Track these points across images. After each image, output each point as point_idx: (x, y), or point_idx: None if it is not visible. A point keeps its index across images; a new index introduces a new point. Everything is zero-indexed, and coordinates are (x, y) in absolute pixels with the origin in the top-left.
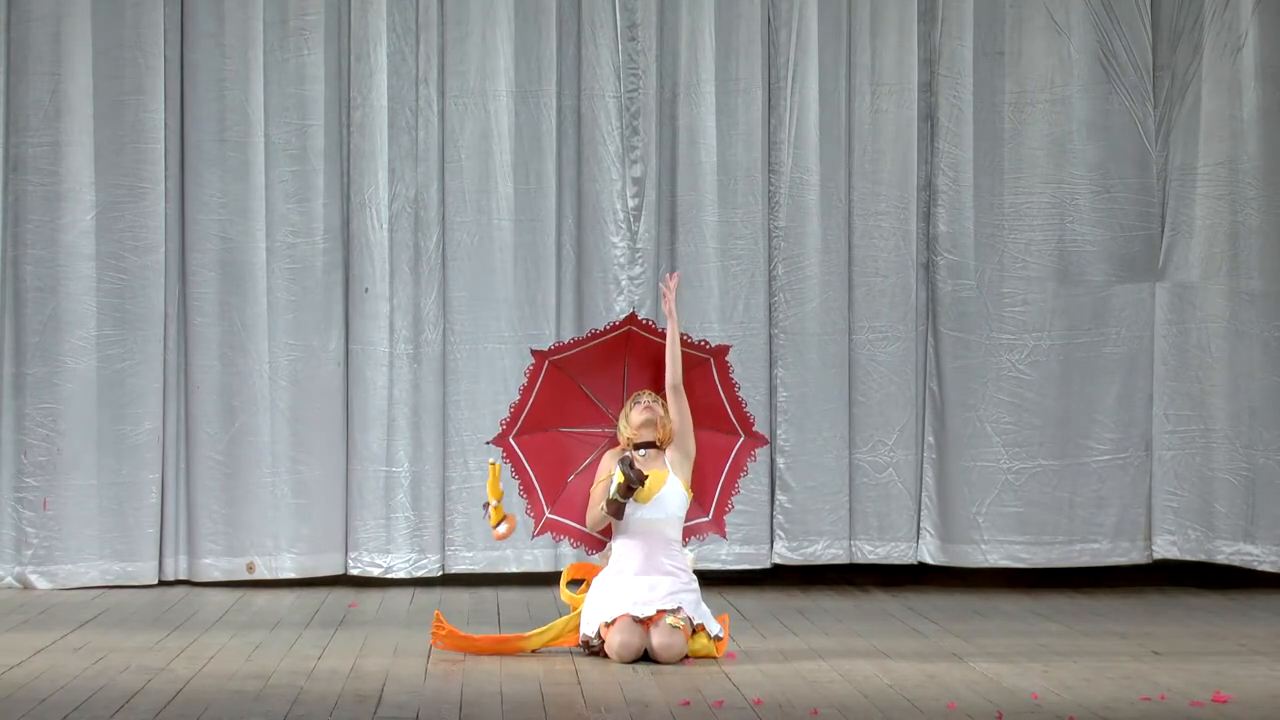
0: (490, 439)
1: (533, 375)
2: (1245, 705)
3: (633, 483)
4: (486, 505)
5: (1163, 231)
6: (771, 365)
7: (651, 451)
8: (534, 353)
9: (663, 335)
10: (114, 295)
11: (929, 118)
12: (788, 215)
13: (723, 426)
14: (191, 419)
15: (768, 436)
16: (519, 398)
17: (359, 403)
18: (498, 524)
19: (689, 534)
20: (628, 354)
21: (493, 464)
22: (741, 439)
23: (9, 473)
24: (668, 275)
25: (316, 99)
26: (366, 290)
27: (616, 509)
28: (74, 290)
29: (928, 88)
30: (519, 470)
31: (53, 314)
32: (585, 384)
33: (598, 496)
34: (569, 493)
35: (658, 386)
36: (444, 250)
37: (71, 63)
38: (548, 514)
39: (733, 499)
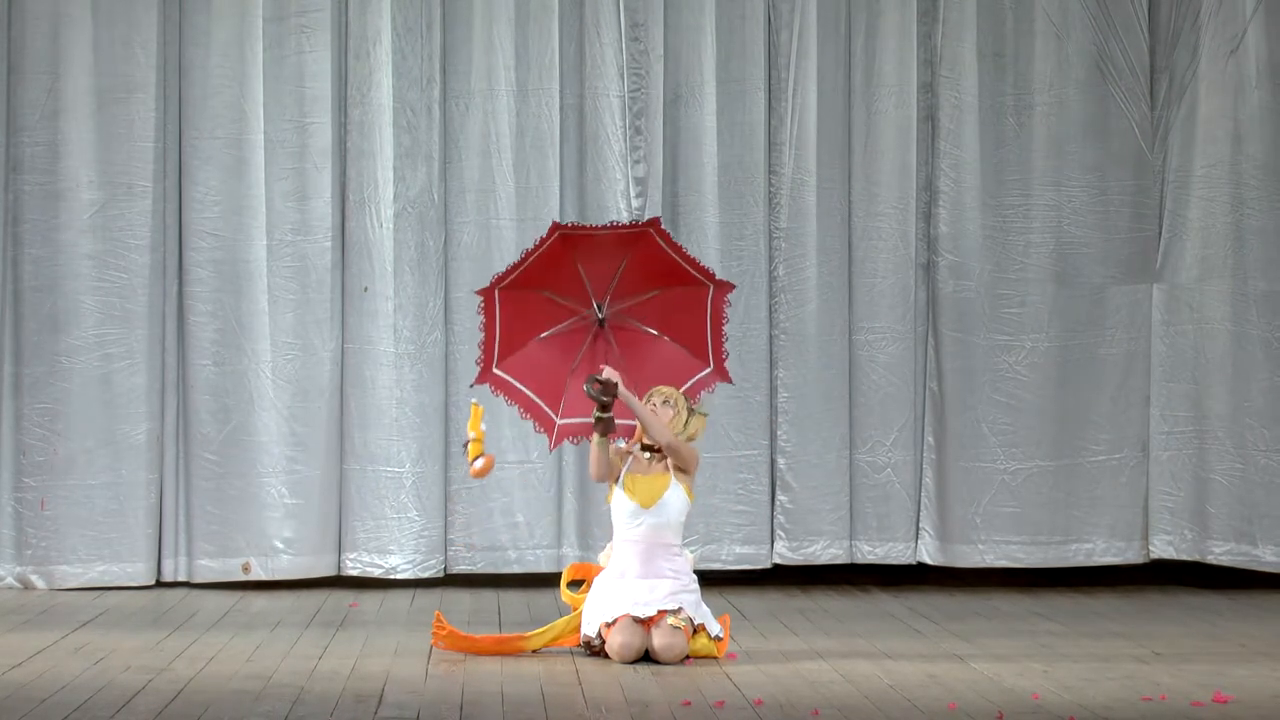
0: (473, 381)
1: (488, 310)
2: (1246, 705)
3: (602, 396)
4: (466, 443)
5: (1160, 233)
6: (772, 366)
7: (654, 455)
8: (479, 292)
9: (595, 226)
10: (113, 294)
11: (929, 119)
12: (788, 216)
13: (689, 281)
14: (189, 419)
15: (734, 284)
16: (484, 335)
17: (360, 403)
18: (474, 459)
19: (697, 389)
20: (574, 253)
21: (475, 404)
22: (711, 289)
23: (8, 473)
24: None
25: (315, 97)
26: (366, 289)
27: (604, 426)
28: (72, 289)
29: (928, 89)
30: (513, 395)
31: (51, 313)
32: (545, 289)
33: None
34: (571, 393)
35: (613, 275)
36: (446, 250)
37: (69, 61)
38: (558, 421)
39: (725, 346)
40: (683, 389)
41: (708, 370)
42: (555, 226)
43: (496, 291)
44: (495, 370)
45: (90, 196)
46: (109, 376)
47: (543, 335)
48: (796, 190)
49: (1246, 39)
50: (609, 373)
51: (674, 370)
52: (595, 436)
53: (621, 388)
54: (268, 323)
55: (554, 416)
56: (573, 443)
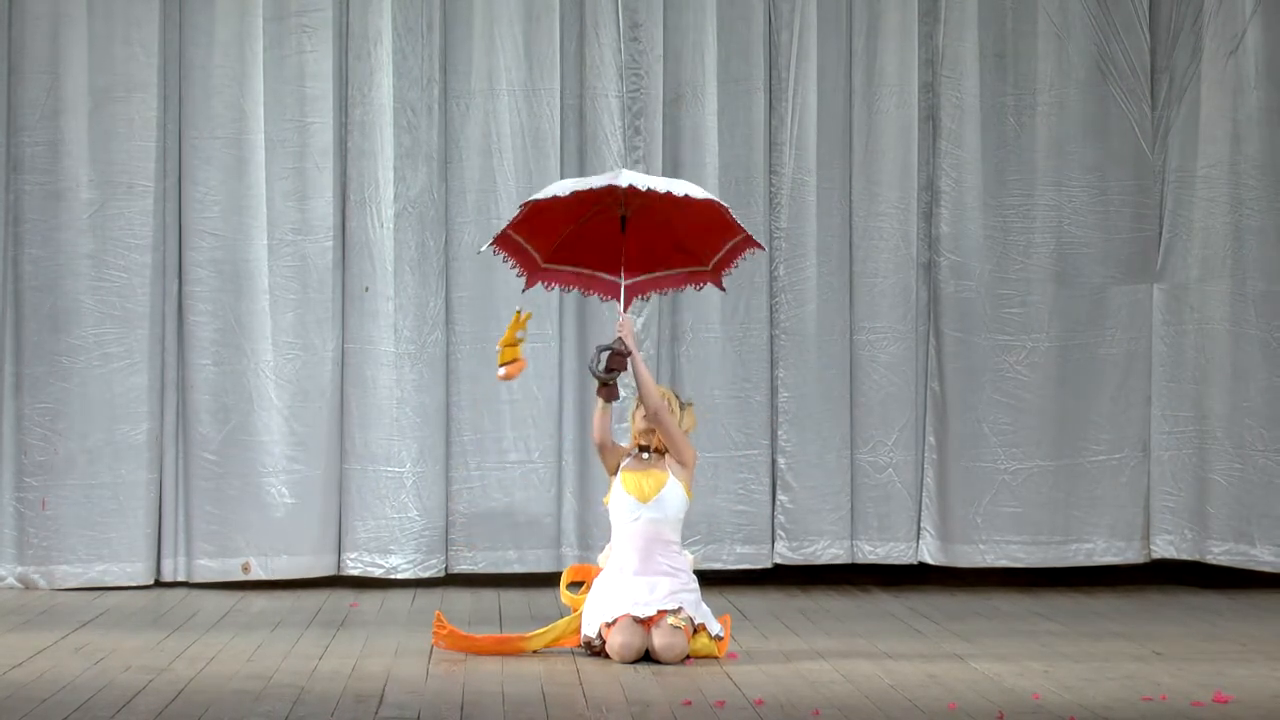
0: (523, 287)
1: (506, 244)
2: (1246, 705)
3: (608, 374)
4: (498, 348)
5: (1160, 233)
6: (773, 366)
7: (653, 456)
8: (492, 243)
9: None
10: (112, 294)
11: (930, 118)
12: (789, 216)
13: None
14: (189, 419)
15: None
16: (514, 260)
17: (360, 403)
18: (502, 364)
19: (734, 254)
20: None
21: (519, 311)
22: (742, 235)
23: (9, 473)
24: (621, 318)
25: (316, 97)
26: (367, 289)
27: (608, 393)
28: (72, 289)
29: (930, 88)
30: (568, 280)
31: (51, 313)
32: (560, 206)
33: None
34: (629, 252)
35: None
36: (446, 250)
37: (69, 61)
38: (624, 283)
39: (731, 270)
40: (722, 251)
41: (741, 237)
42: (525, 203)
43: (508, 231)
44: (544, 266)
45: (90, 196)
46: (109, 376)
47: (579, 222)
48: (797, 190)
49: (1246, 39)
50: (624, 321)
51: (711, 232)
52: (599, 402)
53: (634, 350)
54: (268, 323)
55: (618, 280)
56: (644, 299)
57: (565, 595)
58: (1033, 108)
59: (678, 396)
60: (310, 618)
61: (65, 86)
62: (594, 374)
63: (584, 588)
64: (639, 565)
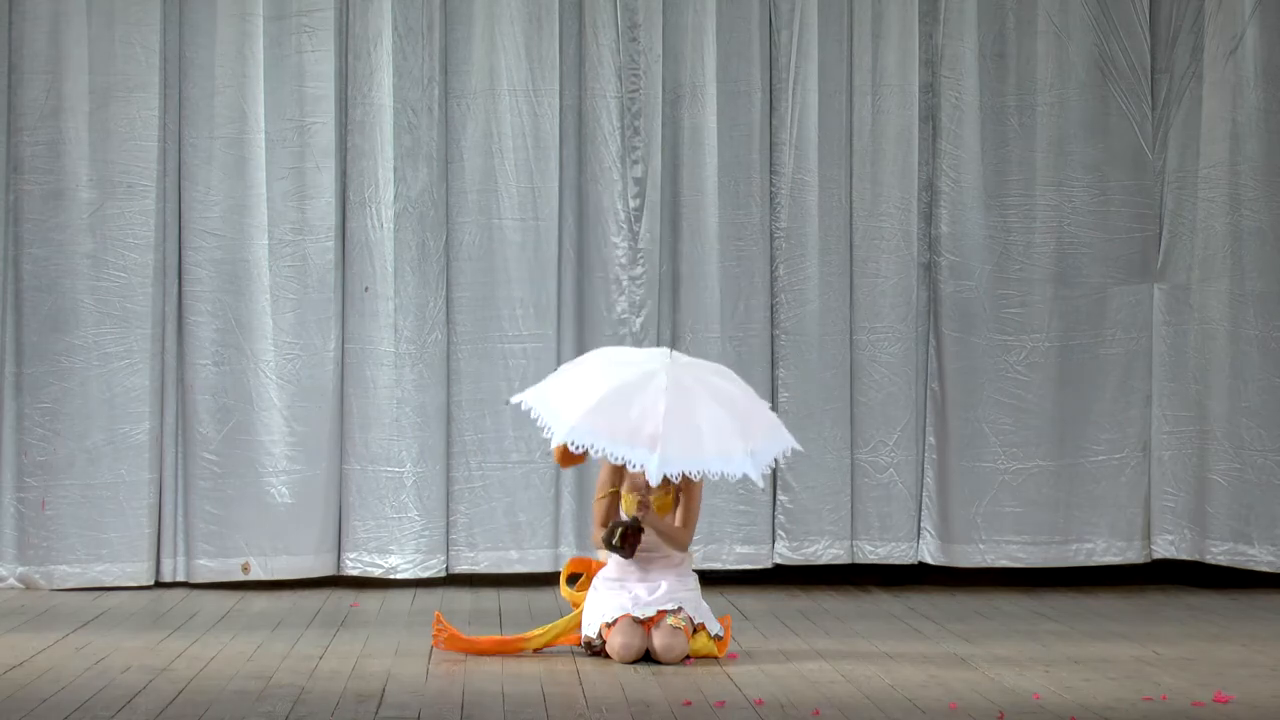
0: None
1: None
2: (1247, 705)
3: (623, 549)
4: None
5: (1160, 233)
6: (773, 366)
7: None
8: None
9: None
10: (113, 294)
11: (930, 119)
12: (789, 216)
13: None
14: (189, 419)
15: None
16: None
17: (361, 403)
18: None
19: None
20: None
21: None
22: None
23: (9, 473)
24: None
25: (316, 97)
26: (367, 289)
27: (624, 555)
28: (72, 289)
29: (929, 89)
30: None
31: (51, 313)
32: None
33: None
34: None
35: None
36: (447, 250)
37: (69, 61)
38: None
39: None
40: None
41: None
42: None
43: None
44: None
45: (90, 196)
46: (109, 376)
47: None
48: (797, 190)
49: (1246, 39)
50: (646, 501)
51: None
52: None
53: (648, 515)
54: (268, 323)
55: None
56: None
57: (565, 590)
58: (1033, 108)
59: None
60: (310, 618)
61: (65, 86)
62: (609, 548)
63: (583, 580)
64: (640, 575)
